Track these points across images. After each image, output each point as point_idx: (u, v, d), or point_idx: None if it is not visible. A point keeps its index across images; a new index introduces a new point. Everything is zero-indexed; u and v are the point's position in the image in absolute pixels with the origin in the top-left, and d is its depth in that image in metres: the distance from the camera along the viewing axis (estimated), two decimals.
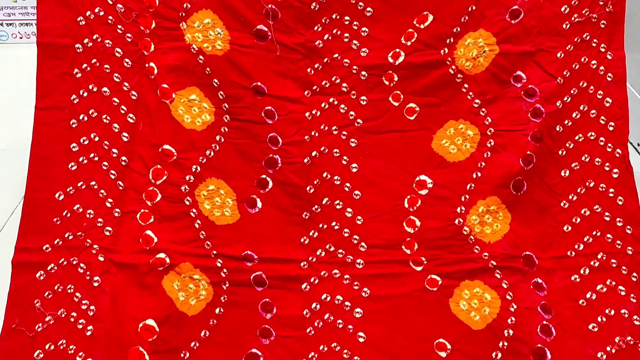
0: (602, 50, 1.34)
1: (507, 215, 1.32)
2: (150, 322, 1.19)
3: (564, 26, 1.32)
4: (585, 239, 1.31)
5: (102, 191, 1.27)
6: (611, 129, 1.34)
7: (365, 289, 1.30)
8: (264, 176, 1.32)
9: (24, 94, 1.47)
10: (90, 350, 1.13)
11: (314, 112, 1.32)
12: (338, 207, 1.32)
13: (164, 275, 1.24)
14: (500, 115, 1.32)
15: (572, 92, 1.33)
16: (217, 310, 1.26)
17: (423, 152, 1.34)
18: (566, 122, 1.34)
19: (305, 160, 1.32)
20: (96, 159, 1.29)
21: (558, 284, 1.28)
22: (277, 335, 1.27)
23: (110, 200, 1.27)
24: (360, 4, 1.31)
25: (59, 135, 1.28)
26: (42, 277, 1.21)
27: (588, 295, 1.27)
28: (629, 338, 1.21)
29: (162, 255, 1.23)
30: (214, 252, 1.27)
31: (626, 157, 1.33)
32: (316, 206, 1.32)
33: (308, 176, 1.32)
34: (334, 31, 1.31)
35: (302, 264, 1.30)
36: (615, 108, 1.33)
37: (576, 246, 1.31)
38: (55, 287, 1.21)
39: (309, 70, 1.33)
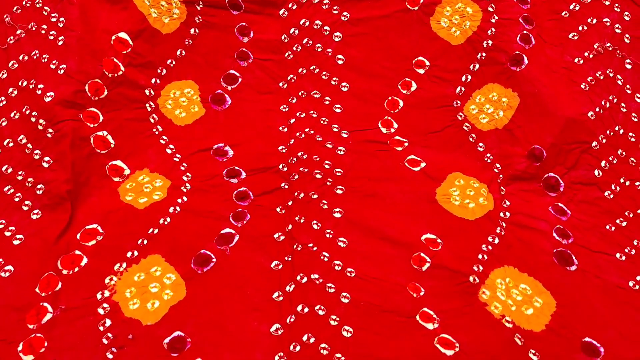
0: None
1: None
2: (122, 34, 1.16)
3: None
4: None
5: None
6: None
7: (344, 13, 1.26)
8: None
9: None
10: (63, 58, 1.11)
11: None
12: None
13: None
14: None
15: None
16: (192, 31, 1.23)
17: None
18: None
19: None
20: None
21: None
22: (255, 58, 1.25)
23: None
24: None
25: None
26: None
27: (572, 7, 1.23)
28: (607, 44, 1.20)
29: None
30: None
31: None
32: None
33: None
34: None
35: None
36: None
37: None
38: (23, 2, 1.16)
39: None
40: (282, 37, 1.26)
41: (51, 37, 1.14)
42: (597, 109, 1.16)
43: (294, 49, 1.26)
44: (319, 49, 1.26)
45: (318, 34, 1.27)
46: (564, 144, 1.13)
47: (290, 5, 1.26)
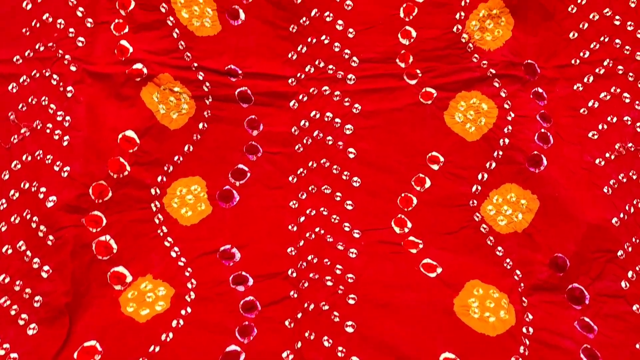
0: None
1: (509, 20, 1.21)
2: (130, 133, 1.13)
3: None
4: (591, 46, 1.21)
5: None
6: None
7: (356, 105, 1.23)
8: None
9: None
10: (68, 159, 1.08)
11: None
12: (328, 19, 1.21)
13: (142, 87, 1.16)
14: None
15: None
16: (200, 125, 1.20)
17: None
18: None
19: None
20: None
21: (559, 94, 1.21)
22: (265, 152, 1.22)
23: (81, 9, 1.17)
24: None
25: None
26: (14, 90, 1.15)
27: (590, 104, 1.20)
28: (629, 145, 1.16)
29: (138, 65, 1.15)
30: (195, 64, 1.18)
31: None
32: (304, 18, 1.21)
33: None
34: None
35: (289, 81, 1.22)
36: None
37: (581, 54, 1.21)
38: (29, 100, 1.15)
39: None
40: (292, 130, 1.23)
41: (56, 137, 1.12)
42: (622, 215, 1.11)
43: (305, 141, 1.22)
44: (330, 142, 1.23)
45: (329, 127, 1.24)
46: (587, 253, 1.07)
47: (300, 96, 1.24)
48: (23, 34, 1.16)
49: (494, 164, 1.18)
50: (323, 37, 1.23)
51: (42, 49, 1.16)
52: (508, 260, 1.13)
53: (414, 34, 1.22)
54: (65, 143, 1.11)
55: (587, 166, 1.15)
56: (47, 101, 1.15)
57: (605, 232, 1.08)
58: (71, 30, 1.17)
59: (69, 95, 1.15)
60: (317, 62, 1.24)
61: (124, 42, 1.17)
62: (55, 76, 1.16)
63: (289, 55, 1.23)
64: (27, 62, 1.16)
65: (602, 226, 1.08)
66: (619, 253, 1.09)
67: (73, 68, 1.16)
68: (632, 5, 1.22)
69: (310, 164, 1.22)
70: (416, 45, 1.22)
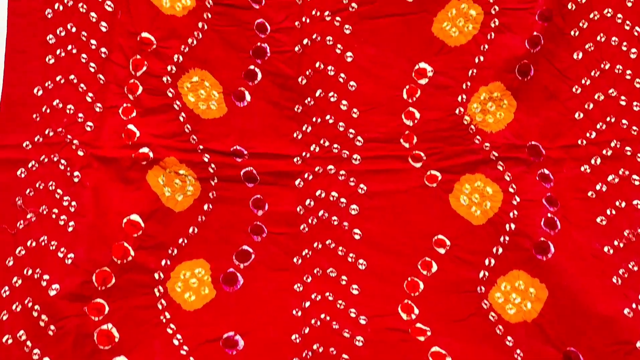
0: None
1: (512, 102, 1.21)
2: (134, 217, 1.13)
3: None
4: (598, 126, 1.21)
5: (82, 85, 1.19)
6: (629, 4, 1.21)
7: (361, 186, 1.23)
8: (252, 67, 1.22)
9: None
10: (72, 246, 1.09)
11: None
12: (332, 99, 1.23)
13: (148, 170, 1.17)
14: None
15: None
16: (205, 207, 1.20)
17: (423, 37, 1.23)
18: None
19: (296, 49, 1.21)
20: (74, 51, 1.20)
21: (566, 175, 1.19)
22: (269, 232, 1.21)
23: (90, 94, 1.19)
24: None
25: (34, 26, 1.20)
26: (23, 175, 1.16)
27: (598, 187, 1.18)
28: (639, 231, 1.13)
29: (145, 149, 1.16)
30: (201, 146, 1.19)
31: None
32: (309, 99, 1.23)
33: (299, 66, 1.22)
34: None
35: (295, 160, 1.23)
36: None
37: (588, 134, 1.21)
38: (37, 185, 1.16)
39: None
40: (298, 209, 1.23)
41: (61, 223, 1.12)
42: (634, 305, 1.07)
43: (310, 221, 1.22)
44: (335, 222, 1.22)
45: (334, 206, 1.23)
46: (603, 346, 1.04)
47: (306, 175, 1.24)
48: (34, 119, 1.18)
49: (500, 250, 1.16)
50: (328, 117, 1.24)
51: (51, 134, 1.18)
52: (519, 351, 1.10)
53: (417, 115, 1.23)
54: (70, 229, 1.11)
55: (596, 253, 1.13)
56: (54, 186, 1.16)
57: (619, 324, 1.05)
58: (80, 115, 1.19)
59: (76, 180, 1.16)
60: (322, 142, 1.24)
61: (131, 126, 1.19)
62: (63, 161, 1.17)
63: (294, 135, 1.24)
64: (36, 148, 1.18)
65: (615, 318, 1.06)
66: (638, 344, 1.05)
67: (81, 153, 1.17)
68: (638, 85, 1.21)
69: (315, 244, 1.21)
70: (420, 127, 1.23)
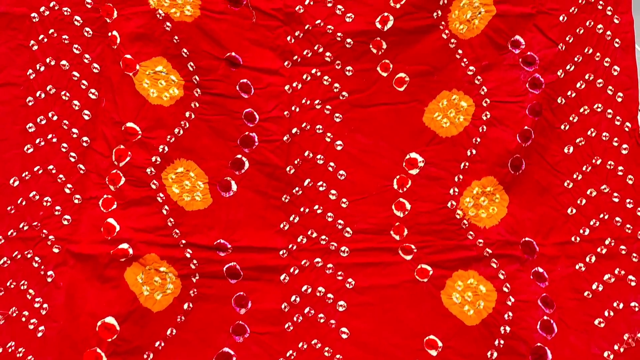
0: (609, 13, 1.19)
1: (504, 197, 1.18)
2: (110, 320, 1.07)
3: None
4: (591, 223, 1.18)
5: (61, 176, 1.15)
6: (619, 99, 1.20)
7: (349, 280, 1.18)
8: (239, 156, 1.19)
9: None
10: (40, 354, 1.03)
11: (294, 84, 1.19)
12: (321, 189, 1.19)
13: (127, 267, 1.12)
14: (497, 84, 1.19)
15: (575, 59, 1.19)
16: (185, 306, 1.14)
17: (414, 127, 1.21)
18: (569, 93, 1.20)
19: (285, 138, 1.19)
20: (54, 140, 1.17)
21: (561, 273, 1.16)
22: (252, 332, 1.15)
23: (69, 185, 1.15)
24: None
25: (14, 114, 1.17)
26: None
27: (594, 287, 1.14)
28: (639, 335, 1.08)
29: (124, 245, 1.11)
30: (183, 241, 1.14)
31: (636, 131, 1.21)
32: (297, 188, 1.19)
33: (288, 155, 1.20)
34: None
35: (281, 253, 1.18)
36: (623, 77, 1.19)
37: (581, 231, 1.17)
38: (8, 284, 1.10)
39: (288, 38, 1.19)
40: (282, 306, 1.17)
41: (31, 327, 1.06)
42: None
43: (295, 319, 1.16)
44: (322, 320, 1.16)
45: (321, 302, 1.18)
46: None
47: (292, 269, 1.18)
48: (7, 212, 1.13)
49: (495, 354, 1.11)
50: (316, 207, 1.20)
51: (26, 228, 1.13)
52: None
53: (407, 206, 1.19)
54: (40, 334, 1.05)
55: (595, 359, 1.06)
56: (26, 286, 1.10)
57: None
58: (57, 208, 1.14)
59: (49, 280, 1.10)
60: (309, 232, 1.20)
61: (110, 220, 1.14)
62: (37, 258, 1.12)
63: (281, 226, 1.20)
64: (9, 243, 1.13)
65: None
66: None
67: (56, 249, 1.12)
68: (630, 182, 1.19)
69: (300, 344, 1.15)
70: (411, 218, 1.19)
